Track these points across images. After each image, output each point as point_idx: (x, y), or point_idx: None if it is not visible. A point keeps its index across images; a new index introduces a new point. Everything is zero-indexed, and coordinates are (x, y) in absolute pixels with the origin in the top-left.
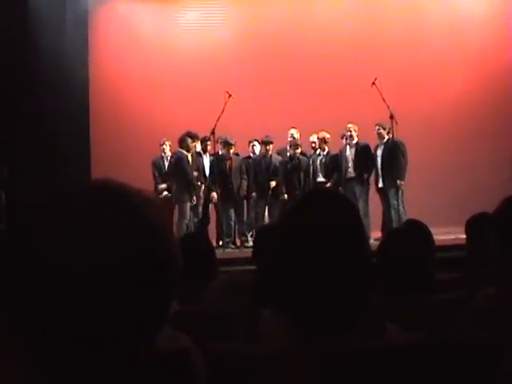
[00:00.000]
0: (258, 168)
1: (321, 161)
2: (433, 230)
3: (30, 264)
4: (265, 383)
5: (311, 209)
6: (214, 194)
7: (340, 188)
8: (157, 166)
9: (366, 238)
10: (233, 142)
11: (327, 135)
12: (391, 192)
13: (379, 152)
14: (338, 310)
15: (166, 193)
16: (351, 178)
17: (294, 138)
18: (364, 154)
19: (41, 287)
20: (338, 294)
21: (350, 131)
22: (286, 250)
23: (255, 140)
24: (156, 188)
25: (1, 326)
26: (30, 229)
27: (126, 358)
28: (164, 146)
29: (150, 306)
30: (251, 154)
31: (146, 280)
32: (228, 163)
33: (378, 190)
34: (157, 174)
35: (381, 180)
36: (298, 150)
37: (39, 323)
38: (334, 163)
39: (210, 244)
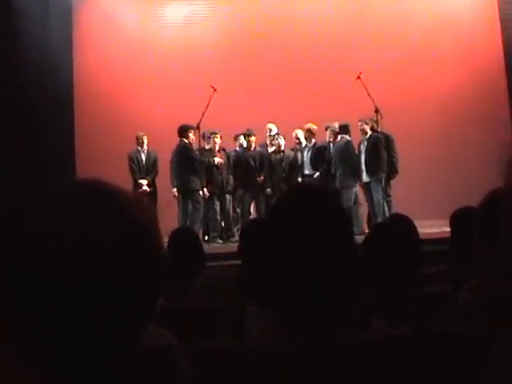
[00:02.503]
0: (243, 162)
1: (307, 153)
2: (418, 224)
3: (14, 262)
4: (251, 380)
5: (297, 203)
6: (205, 189)
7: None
8: (134, 159)
9: (351, 232)
10: (218, 136)
11: (314, 126)
12: (373, 186)
13: (362, 147)
14: (324, 306)
15: (146, 188)
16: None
17: (270, 131)
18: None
19: (24, 285)
20: (325, 290)
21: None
22: (271, 245)
23: (241, 134)
24: (135, 182)
25: None
26: (14, 227)
27: (112, 355)
28: (142, 140)
29: (135, 303)
30: (237, 149)
31: (132, 277)
32: (216, 157)
33: (362, 185)
34: (135, 168)
35: (364, 175)
36: (282, 142)
37: (22, 322)
38: (321, 155)
39: (198, 239)
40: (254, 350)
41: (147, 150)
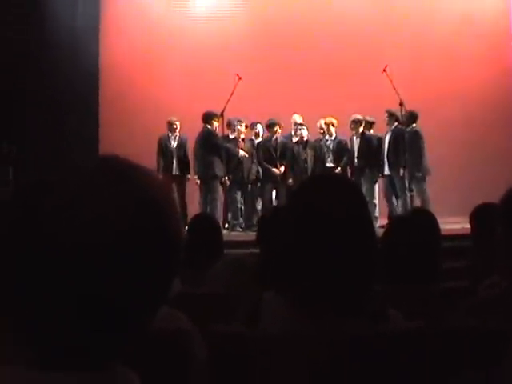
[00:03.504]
0: (265, 152)
1: (328, 146)
2: (441, 220)
3: (32, 238)
4: (266, 365)
5: (317, 192)
6: (226, 178)
7: (348, 172)
8: (163, 145)
9: (371, 223)
10: (243, 125)
11: (334, 121)
12: (395, 180)
13: (387, 139)
14: (341, 294)
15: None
16: (355, 167)
17: (296, 123)
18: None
19: (43, 260)
20: (342, 278)
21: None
22: (290, 233)
23: (258, 123)
24: (159, 166)
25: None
26: (33, 202)
27: (126, 334)
28: (175, 125)
29: (150, 279)
30: (253, 137)
31: (147, 252)
32: (241, 145)
33: (384, 177)
34: (163, 153)
35: (386, 167)
36: (305, 132)
37: (38, 297)
38: (343, 148)
39: (218, 225)
40: (269, 336)
41: (179, 136)
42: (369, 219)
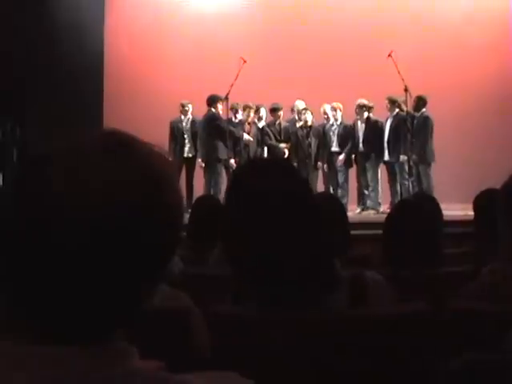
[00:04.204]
0: (269, 135)
1: (334, 131)
2: (443, 206)
3: (31, 213)
4: (264, 346)
5: (255, 177)
6: (231, 160)
7: (352, 158)
8: (175, 128)
9: (310, 199)
10: (252, 106)
11: (340, 105)
12: (396, 166)
13: (387, 125)
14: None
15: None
16: (360, 152)
17: (299, 109)
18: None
19: (41, 235)
20: (292, 261)
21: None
22: (234, 220)
23: (262, 107)
24: (171, 149)
25: None
26: (33, 177)
27: (125, 309)
28: (187, 108)
29: (151, 256)
30: (255, 121)
31: (147, 230)
32: (246, 129)
33: (384, 163)
34: (174, 136)
35: (386, 153)
36: (309, 117)
37: (36, 274)
38: (348, 133)
39: (220, 206)
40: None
41: (191, 119)
42: (309, 201)
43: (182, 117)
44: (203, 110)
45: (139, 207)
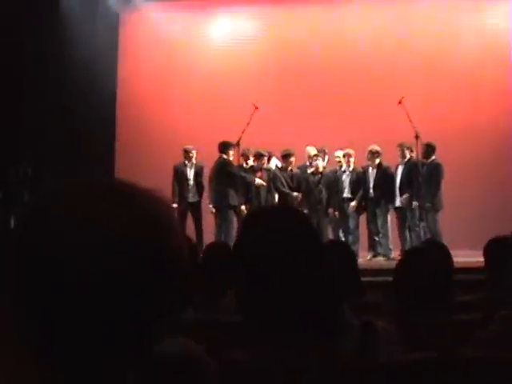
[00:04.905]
0: (281, 182)
1: (346, 177)
2: (454, 253)
3: (32, 262)
4: None
5: (265, 225)
6: (243, 207)
7: (363, 204)
8: (178, 172)
9: (319, 246)
10: (265, 154)
11: (352, 152)
12: (408, 212)
13: (399, 171)
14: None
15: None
16: (371, 198)
17: (310, 155)
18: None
19: (43, 285)
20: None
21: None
22: (246, 268)
23: (273, 156)
24: (174, 193)
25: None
26: (32, 227)
27: (125, 357)
28: (191, 154)
29: (153, 305)
30: (267, 166)
31: (149, 279)
32: (258, 176)
33: (395, 209)
34: (179, 180)
35: (398, 199)
36: (320, 163)
37: (41, 320)
38: (360, 179)
39: (231, 253)
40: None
41: (195, 164)
42: (319, 250)
43: (186, 162)
44: (215, 154)
45: (139, 256)
